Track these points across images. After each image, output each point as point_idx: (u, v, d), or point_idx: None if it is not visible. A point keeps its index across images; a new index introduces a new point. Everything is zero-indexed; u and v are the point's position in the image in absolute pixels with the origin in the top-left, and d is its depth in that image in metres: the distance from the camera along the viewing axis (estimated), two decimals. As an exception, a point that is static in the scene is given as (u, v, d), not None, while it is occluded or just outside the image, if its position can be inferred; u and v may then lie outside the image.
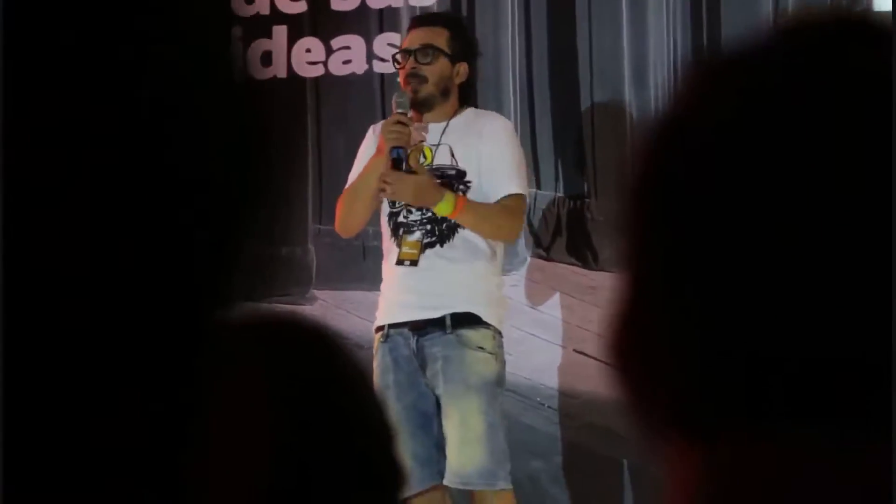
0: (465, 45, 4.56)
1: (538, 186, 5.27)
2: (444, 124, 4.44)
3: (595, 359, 5.11)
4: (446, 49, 4.45)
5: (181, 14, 0.71)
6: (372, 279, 4.83)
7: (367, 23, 5.46)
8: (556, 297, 5.33)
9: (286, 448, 1.18)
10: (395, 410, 4.24)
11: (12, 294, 0.64)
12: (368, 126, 4.67)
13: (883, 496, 0.69)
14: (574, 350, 5.24)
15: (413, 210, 4.40)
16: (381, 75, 5.40)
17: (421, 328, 4.33)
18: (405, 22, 5.15)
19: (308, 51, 5.47)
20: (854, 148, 0.72)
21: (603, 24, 5.33)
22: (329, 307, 5.41)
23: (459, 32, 4.60)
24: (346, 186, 4.50)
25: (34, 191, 0.63)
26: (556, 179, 5.35)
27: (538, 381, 5.26)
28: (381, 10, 5.45)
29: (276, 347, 1.23)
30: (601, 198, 5.23)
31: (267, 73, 5.36)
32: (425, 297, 4.31)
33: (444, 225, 4.36)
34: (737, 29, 5.05)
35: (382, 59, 5.33)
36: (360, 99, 5.46)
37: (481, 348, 4.31)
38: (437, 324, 4.32)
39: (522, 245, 5.26)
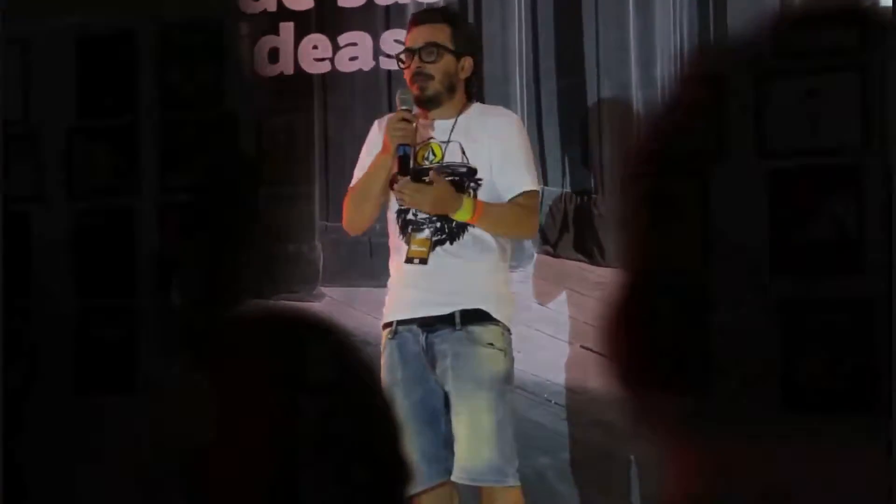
0: (467, 40, 4.55)
1: (545, 183, 5.27)
2: (452, 121, 4.43)
3: (603, 355, 5.10)
4: (450, 45, 4.44)
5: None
6: (379, 276, 4.83)
7: (373, 19, 5.46)
8: (563, 293, 5.32)
9: (292, 443, 1.18)
10: (403, 407, 4.25)
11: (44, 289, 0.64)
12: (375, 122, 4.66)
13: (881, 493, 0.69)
14: (581, 346, 5.24)
15: None
16: (388, 72, 5.40)
17: (430, 325, 4.32)
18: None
19: (315, 47, 5.48)
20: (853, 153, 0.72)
21: (610, 19, 5.33)
22: (336, 304, 5.41)
23: (461, 27, 4.59)
24: (352, 184, 4.49)
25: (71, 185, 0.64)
26: (563, 175, 5.34)
27: (545, 378, 5.25)
28: (387, 7, 5.46)
29: (283, 344, 1.23)
30: (608, 194, 5.23)
31: (274, 70, 5.37)
32: (434, 293, 4.31)
33: (454, 223, 4.35)
34: (744, 24, 5.05)
35: (389, 56, 5.33)
36: (367, 95, 5.47)
37: (491, 345, 4.31)
38: (446, 320, 4.32)
39: (529, 241, 5.26)
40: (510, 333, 4.38)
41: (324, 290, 5.47)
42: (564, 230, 5.31)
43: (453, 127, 4.42)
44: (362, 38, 5.45)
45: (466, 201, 4.29)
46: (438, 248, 4.35)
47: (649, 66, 5.26)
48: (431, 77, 4.42)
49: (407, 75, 4.46)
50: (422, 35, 4.47)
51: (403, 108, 4.35)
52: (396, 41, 5.26)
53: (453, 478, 4.31)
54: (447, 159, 4.40)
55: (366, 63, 5.44)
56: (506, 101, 5.21)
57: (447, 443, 4.31)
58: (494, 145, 4.39)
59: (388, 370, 4.33)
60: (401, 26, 5.36)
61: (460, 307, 4.31)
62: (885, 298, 0.70)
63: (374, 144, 4.47)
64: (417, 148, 4.33)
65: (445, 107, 4.45)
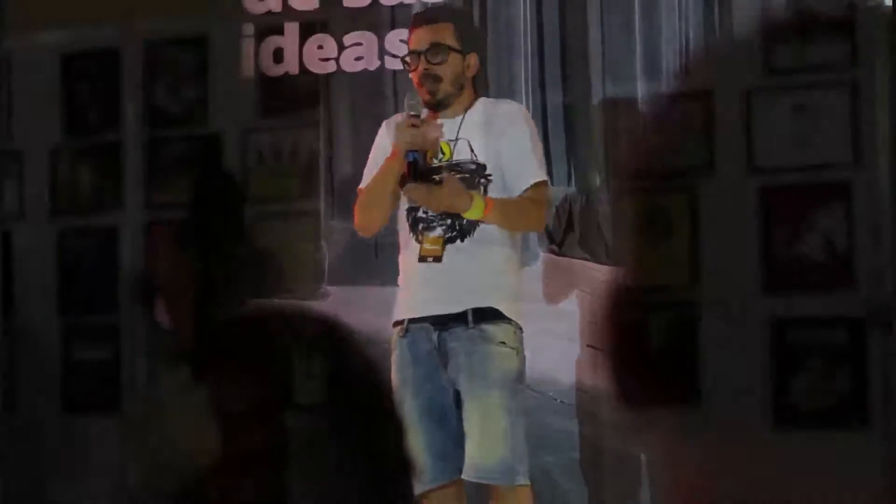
0: (471, 36, 4.53)
1: (550, 182, 5.27)
2: (459, 118, 4.42)
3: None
4: (455, 44, 4.42)
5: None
6: (384, 275, 4.83)
7: (379, 19, 5.46)
8: (571, 291, 5.32)
9: (298, 439, 1.19)
10: (414, 405, 4.25)
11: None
12: (381, 123, 4.66)
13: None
14: (588, 345, 5.24)
15: None
16: (394, 72, 5.40)
17: (443, 323, 4.32)
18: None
19: (320, 48, 5.48)
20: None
21: (615, 17, 5.33)
22: (341, 303, 5.42)
23: (464, 24, 4.57)
24: (362, 186, 4.49)
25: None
26: (569, 175, 5.34)
27: (552, 377, 5.26)
28: (392, 7, 5.45)
29: (288, 343, 1.24)
30: (613, 193, 5.23)
31: (279, 70, 5.37)
32: (446, 291, 4.31)
33: (465, 220, 4.35)
34: (749, 21, 5.04)
35: (394, 56, 5.33)
36: (372, 95, 5.47)
37: (503, 343, 4.31)
38: (458, 319, 4.32)
39: (535, 241, 5.26)
40: (522, 332, 4.38)
41: (329, 289, 5.48)
42: (570, 229, 5.31)
43: (461, 124, 4.41)
44: (368, 39, 5.45)
45: (477, 200, 4.28)
46: (449, 246, 4.35)
47: (655, 65, 5.26)
48: (440, 79, 4.40)
49: (414, 78, 4.44)
50: (426, 36, 4.45)
51: (412, 113, 4.33)
52: (402, 41, 5.26)
53: (464, 476, 4.31)
54: (456, 157, 4.39)
55: (371, 63, 5.44)
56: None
57: (457, 441, 4.31)
58: (503, 140, 4.38)
59: (399, 368, 4.33)
60: (406, 26, 5.36)
61: (472, 305, 4.31)
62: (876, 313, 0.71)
63: (383, 146, 4.46)
64: (426, 152, 4.32)
65: (454, 105, 4.44)
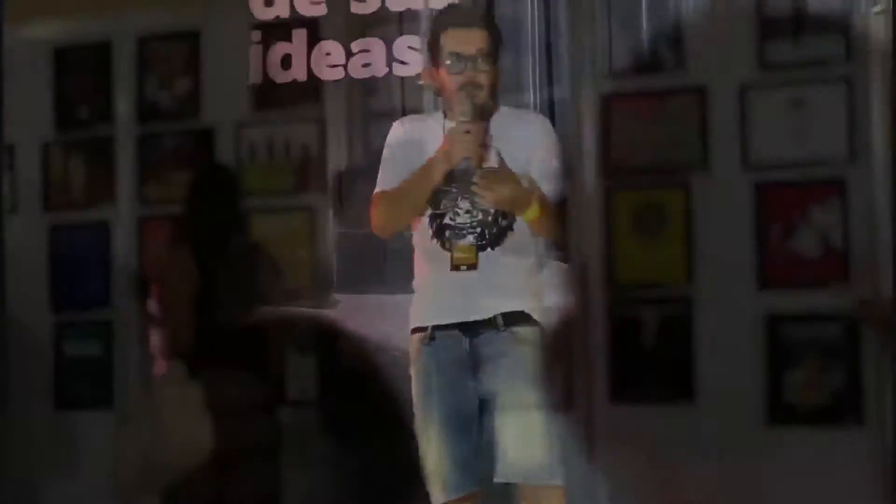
0: (500, 44, 4.49)
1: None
2: (486, 126, 4.39)
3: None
4: (495, 52, 4.38)
5: None
6: (393, 282, 4.82)
7: (387, 26, 5.46)
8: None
9: (306, 444, 1.19)
10: (438, 414, 4.22)
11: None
12: (388, 129, 4.63)
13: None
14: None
15: (460, 212, 4.37)
16: (401, 78, 5.39)
17: (473, 329, 4.30)
18: (425, 25, 5.13)
19: (328, 54, 5.48)
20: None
21: (621, 18, 5.32)
22: (350, 311, 5.41)
23: (496, 31, 4.52)
24: (382, 188, 4.44)
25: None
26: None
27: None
28: (400, 13, 5.45)
29: (298, 350, 1.24)
30: (607, 188, 5.21)
31: (287, 77, 5.38)
32: (475, 298, 4.29)
33: (495, 228, 4.33)
34: (752, 19, 5.03)
35: (402, 62, 5.33)
36: (381, 102, 5.47)
37: (534, 345, 4.31)
38: (488, 324, 4.31)
39: (543, 245, 5.25)
40: (548, 334, 4.39)
41: (337, 296, 5.47)
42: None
43: (487, 133, 4.39)
44: (376, 45, 5.45)
45: (535, 202, 4.26)
46: (479, 254, 4.34)
47: (649, 62, 5.24)
48: (482, 87, 4.34)
49: (456, 83, 4.37)
50: (472, 40, 4.35)
51: (463, 119, 4.28)
52: (410, 48, 5.26)
53: (498, 478, 4.28)
54: (486, 166, 4.37)
55: (379, 70, 5.44)
56: (519, 105, 5.21)
57: (479, 452, 4.29)
58: (534, 153, 4.36)
59: (423, 377, 4.30)
60: (414, 33, 5.35)
61: (501, 310, 4.30)
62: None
63: (400, 146, 4.42)
64: (475, 159, 4.29)
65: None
